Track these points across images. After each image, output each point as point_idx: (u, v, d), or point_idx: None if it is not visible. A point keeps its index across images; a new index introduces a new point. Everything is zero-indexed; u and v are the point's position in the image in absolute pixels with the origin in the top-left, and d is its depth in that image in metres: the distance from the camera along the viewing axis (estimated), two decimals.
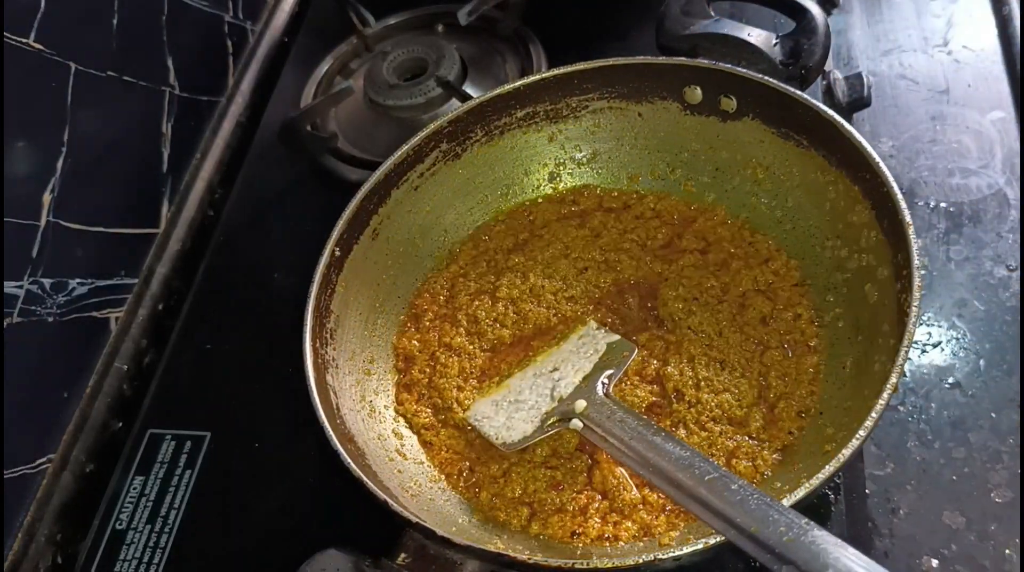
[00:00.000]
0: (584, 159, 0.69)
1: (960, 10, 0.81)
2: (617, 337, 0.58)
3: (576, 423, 0.51)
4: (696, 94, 0.62)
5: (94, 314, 0.71)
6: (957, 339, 0.60)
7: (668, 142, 0.66)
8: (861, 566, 0.36)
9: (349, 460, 0.48)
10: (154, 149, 0.79)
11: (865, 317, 0.53)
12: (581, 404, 0.52)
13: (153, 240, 0.79)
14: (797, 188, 0.61)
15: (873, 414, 0.43)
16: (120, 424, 0.70)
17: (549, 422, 0.53)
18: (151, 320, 0.75)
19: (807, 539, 0.38)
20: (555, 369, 0.57)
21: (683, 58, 0.62)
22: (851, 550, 0.37)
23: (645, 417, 0.50)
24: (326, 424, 0.49)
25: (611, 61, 0.63)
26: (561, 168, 0.69)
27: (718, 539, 0.41)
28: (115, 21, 0.72)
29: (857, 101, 0.73)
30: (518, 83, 0.64)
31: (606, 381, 0.54)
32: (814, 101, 0.56)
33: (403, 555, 0.46)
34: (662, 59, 0.63)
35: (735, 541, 0.40)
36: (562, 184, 0.69)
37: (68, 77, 0.67)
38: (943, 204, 0.67)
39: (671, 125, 0.65)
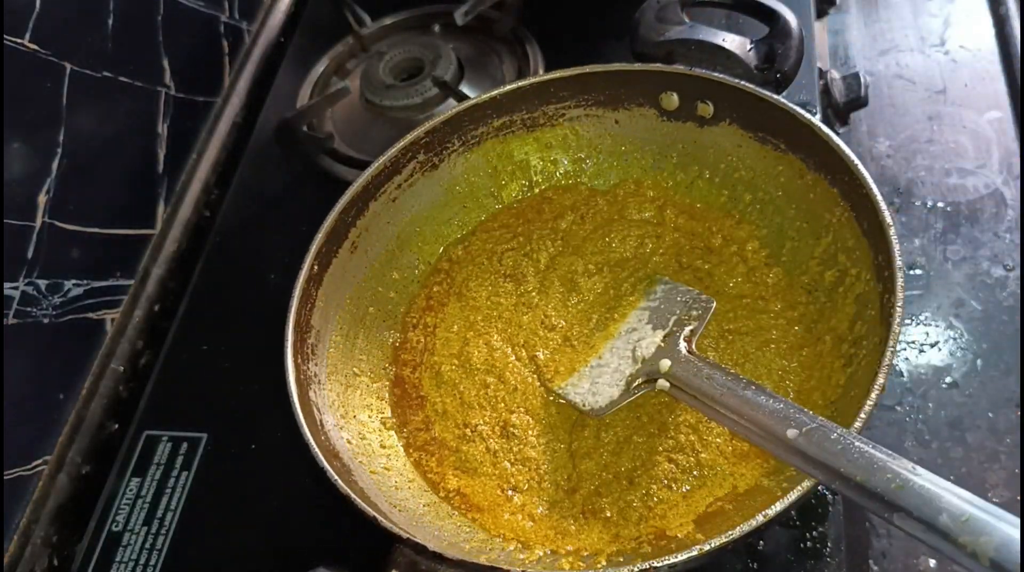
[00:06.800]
0: (562, 166, 0.68)
1: (957, 10, 0.81)
2: (693, 290, 0.56)
3: (663, 383, 0.50)
4: (673, 100, 0.62)
5: (90, 315, 0.71)
6: (954, 339, 0.61)
7: (646, 148, 0.66)
8: (976, 508, 0.35)
9: (336, 478, 0.47)
10: (150, 150, 0.79)
11: (850, 320, 0.53)
12: (666, 364, 0.50)
13: (149, 241, 0.78)
14: (776, 192, 0.60)
15: (862, 415, 0.42)
16: (116, 425, 0.70)
17: (635, 385, 0.52)
18: (147, 321, 0.75)
19: (916, 484, 0.37)
20: (633, 329, 0.55)
21: (659, 64, 0.61)
22: (964, 492, 0.36)
23: (733, 372, 0.48)
24: (312, 442, 0.48)
25: (587, 69, 0.62)
26: (539, 176, 0.68)
27: (694, 552, 0.40)
28: (110, 21, 0.72)
29: (854, 101, 0.73)
30: (494, 92, 0.64)
31: (688, 337, 0.52)
32: (790, 104, 0.56)
33: (394, 571, 0.45)
34: (638, 66, 0.62)
35: (842, 491, 0.39)
36: (541, 191, 0.68)
37: (63, 78, 0.67)
38: (940, 204, 0.67)
39: (649, 131, 0.64)
